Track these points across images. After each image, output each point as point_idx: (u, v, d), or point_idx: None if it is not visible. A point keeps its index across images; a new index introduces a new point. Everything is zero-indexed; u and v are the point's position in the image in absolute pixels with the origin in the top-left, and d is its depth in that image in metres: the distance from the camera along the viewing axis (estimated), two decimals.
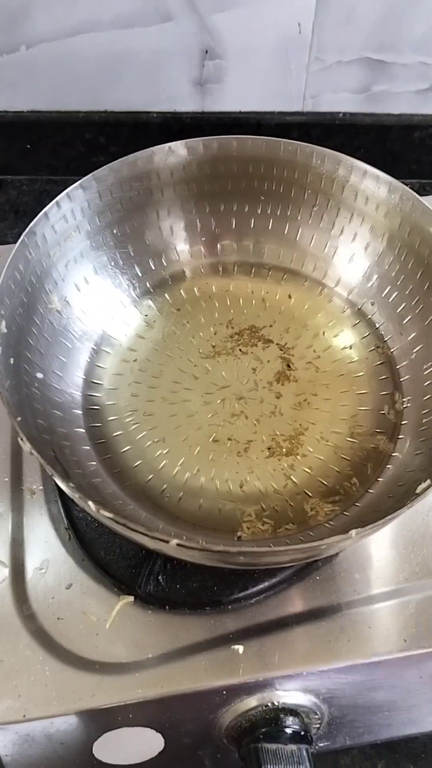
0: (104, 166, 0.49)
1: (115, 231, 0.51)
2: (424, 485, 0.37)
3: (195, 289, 0.54)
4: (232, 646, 0.38)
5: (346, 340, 0.51)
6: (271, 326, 0.52)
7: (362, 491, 0.43)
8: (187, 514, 0.42)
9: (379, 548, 0.42)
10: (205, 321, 0.52)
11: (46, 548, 0.42)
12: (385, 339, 0.50)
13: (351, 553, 0.42)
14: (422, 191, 0.57)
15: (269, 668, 0.37)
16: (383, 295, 0.51)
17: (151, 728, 0.38)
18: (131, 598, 0.40)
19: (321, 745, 0.44)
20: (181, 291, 0.54)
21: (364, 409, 0.47)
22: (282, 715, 0.38)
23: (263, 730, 0.38)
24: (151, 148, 0.50)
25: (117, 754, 0.40)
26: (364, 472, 0.44)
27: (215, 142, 0.51)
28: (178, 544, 0.32)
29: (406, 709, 0.43)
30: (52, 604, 0.39)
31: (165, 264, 0.54)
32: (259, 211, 0.54)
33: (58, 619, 0.39)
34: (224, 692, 0.37)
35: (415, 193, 0.47)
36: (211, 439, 0.46)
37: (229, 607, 0.39)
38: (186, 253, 0.54)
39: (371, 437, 0.46)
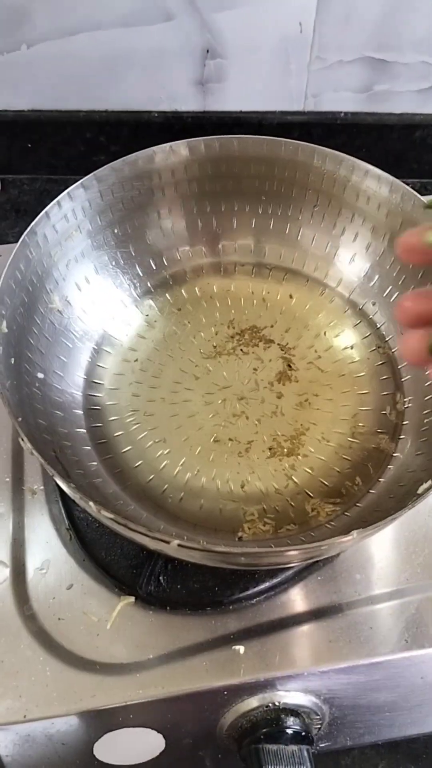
0: (105, 166, 0.49)
1: (116, 230, 0.51)
2: (425, 486, 0.37)
3: (196, 288, 0.54)
4: (233, 647, 0.38)
5: (347, 340, 0.51)
6: (272, 326, 0.52)
7: (363, 492, 0.43)
8: (188, 515, 0.42)
9: (380, 549, 0.42)
10: (206, 321, 0.52)
11: (47, 548, 0.42)
12: (387, 339, 0.50)
13: (352, 553, 0.42)
14: (424, 191, 0.57)
15: (270, 669, 0.37)
16: (384, 295, 0.51)
17: (152, 729, 0.38)
18: (132, 599, 0.40)
19: (322, 745, 0.44)
20: (182, 291, 0.53)
21: (366, 410, 0.47)
22: (283, 716, 0.38)
23: (264, 730, 0.38)
24: (152, 148, 0.50)
25: (118, 755, 0.40)
26: (365, 472, 0.44)
27: (216, 142, 0.51)
28: (179, 545, 0.32)
29: (407, 710, 0.43)
30: (52, 605, 0.39)
31: (166, 264, 0.54)
32: (260, 211, 0.54)
33: (59, 619, 0.39)
34: (225, 693, 0.37)
35: (416, 193, 0.47)
36: (212, 440, 0.46)
37: (230, 607, 0.39)
38: (187, 252, 0.54)
39: (372, 437, 0.46)
